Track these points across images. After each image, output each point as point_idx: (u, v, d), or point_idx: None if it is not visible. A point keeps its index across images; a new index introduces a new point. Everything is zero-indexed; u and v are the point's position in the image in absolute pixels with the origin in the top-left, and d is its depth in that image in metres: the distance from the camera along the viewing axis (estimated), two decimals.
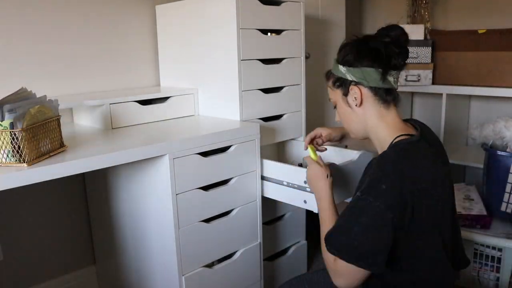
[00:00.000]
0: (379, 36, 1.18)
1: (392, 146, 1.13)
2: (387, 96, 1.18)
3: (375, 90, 1.17)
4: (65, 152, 1.25)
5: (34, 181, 1.10)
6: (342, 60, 1.19)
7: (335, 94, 1.24)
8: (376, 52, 1.15)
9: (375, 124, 1.19)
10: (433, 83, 2.37)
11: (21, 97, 1.15)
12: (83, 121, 1.71)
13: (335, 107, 1.28)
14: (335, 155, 1.76)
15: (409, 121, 1.26)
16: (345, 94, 1.20)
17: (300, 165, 1.82)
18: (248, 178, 1.63)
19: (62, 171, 1.15)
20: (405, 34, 1.17)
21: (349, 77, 1.18)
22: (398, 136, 1.14)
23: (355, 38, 1.21)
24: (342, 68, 1.19)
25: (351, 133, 1.29)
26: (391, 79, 1.16)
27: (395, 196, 1.03)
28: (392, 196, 1.03)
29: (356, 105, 1.19)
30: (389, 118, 1.18)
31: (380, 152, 1.19)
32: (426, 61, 2.34)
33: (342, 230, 1.09)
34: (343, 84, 1.20)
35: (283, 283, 1.40)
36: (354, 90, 1.18)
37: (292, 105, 1.88)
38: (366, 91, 1.18)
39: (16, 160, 1.10)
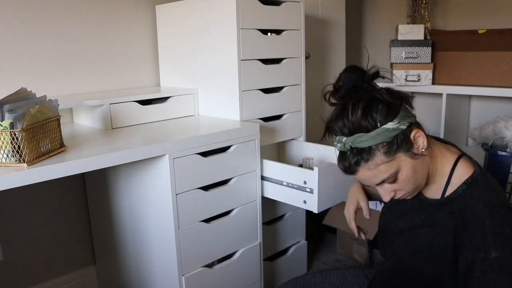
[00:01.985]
0: (362, 80, 1.00)
1: (473, 182, 1.01)
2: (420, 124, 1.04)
3: (418, 123, 1.02)
4: (65, 152, 1.25)
5: (34, 181, 1.10)
6: (383, 119, 0.95)
7: (396, 163, 0.98)
8: (390, 88, 1.00)
9: (434, 159, 1.04)
10: (433, 83, 2.37)
11: (21, 97, 1.15)
12: (83, 121, 1.71)
13: (391, 181, 1.00)
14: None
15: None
16: (410, 148, 0.98)
17: (300, 165, 1.82)
18: (248, 178, 1.63)
19: (62, 171, 1.15)
20: (359, 68, 1.02)
21: (403, 125, 0.96)
22: (456, 161, 1.04)
23: (360, 97, 0.97)
24: (391, 125, 0.95)
25: (417, 191, 1.06)
26: None
27: None
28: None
29: (423, 149, 0.99)
30: (434, 146, 1.05)
31: (437, 188, 1.06)
32: (426, 61, 2.34)
33: None
34: (402, 141, 0.96)
35: (279, 286, 1.38)
36: (417, 134, 0.98)
37: (292, 105, 1.88)
38: (420, 128, 1.01)
39: (16, 160, 1.10)
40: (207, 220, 1.52)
